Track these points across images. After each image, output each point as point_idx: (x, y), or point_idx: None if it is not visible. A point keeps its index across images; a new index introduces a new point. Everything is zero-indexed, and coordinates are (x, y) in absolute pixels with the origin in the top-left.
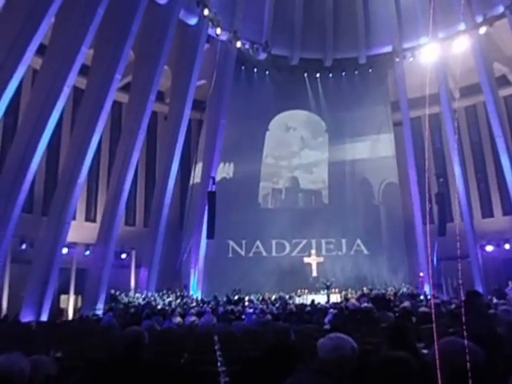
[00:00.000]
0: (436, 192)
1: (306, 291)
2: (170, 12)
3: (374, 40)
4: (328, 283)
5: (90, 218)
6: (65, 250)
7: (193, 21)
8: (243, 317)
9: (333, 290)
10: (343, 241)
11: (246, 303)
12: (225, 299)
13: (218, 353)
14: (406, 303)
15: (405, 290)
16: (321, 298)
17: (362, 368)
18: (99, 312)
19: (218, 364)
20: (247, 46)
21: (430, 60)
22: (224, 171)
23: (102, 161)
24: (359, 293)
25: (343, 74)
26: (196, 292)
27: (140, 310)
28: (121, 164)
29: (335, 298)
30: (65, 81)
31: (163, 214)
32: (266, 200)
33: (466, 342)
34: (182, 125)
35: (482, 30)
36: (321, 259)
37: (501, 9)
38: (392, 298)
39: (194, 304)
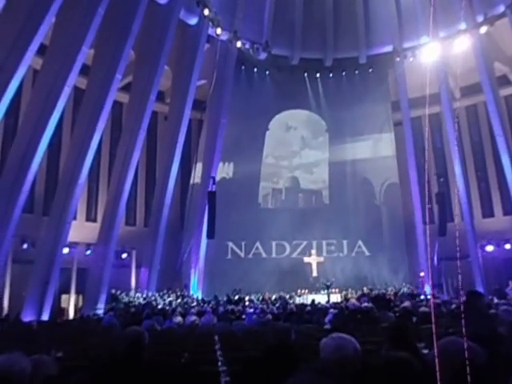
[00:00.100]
0: (436, 192)
1: (307, 291)
2: (170, 12)
3: (374, 40)
4: (328, 283)
5: (90, 217)
6: (66, 250)
7: (193, 21)
8: (243, 316)
9: (333, 290)
10: (344, 242)
11: (247, 303)
12: (225, 299)
13: (219, 352)
14: (407, 303)
15: (405, 289)
16: (321, 298)
17: (364, 368)
18: (100, 312)
19: (219, 364)
20: (247, 46)
21: (430, 60)
22: (224, 171)
23: (103, 161)
24: (359, 293)
25: (343, 73)
26: (196, 292)
27: (140, 309)
28: (121, 164)
29: (335, 297)
30: (65, 81)
31: (163, 214)
32: (266, 200)
33: (465, 341)
34: (182, 125)
35: (483, 29)
36: (321, 259)
37: (501, 8)
38: (392, 297)
39: (195, 304)
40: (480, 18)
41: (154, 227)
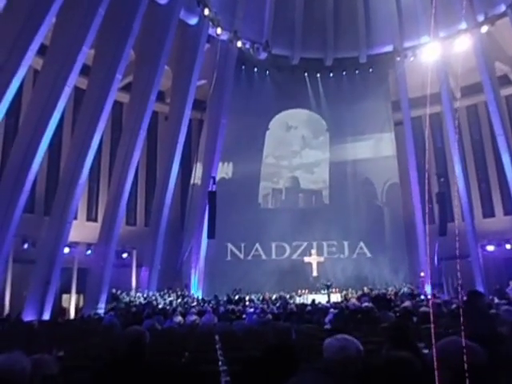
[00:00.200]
0: (437, 192)
1: (307, 291)
2: (170, 12)
3: (374, 39)
4: (328, 283)
5: (91, 217)
6: (66, 250)
7: (193, 21)
8: (244, 316)
9: (333, 290)
10: (345, 243)
11: (247, 303)
12: (225, 299)
13: (219, 352)
14: (407, 303)
15: (405, 289)
16: (321, 298)
17: (365, 368)
18: (101, 311)
19: (219, 363)
20: (248, 46)
21: (431, 59)
22: (223, 171)
23: (103, 161)
24: (360, 292)
25: (344, 73)
26: (197, 291)
27: (141, 309)
28: (122, 164)
29: (336, 297)
30: (66, 81)
31: (164, 214)
32: (266, 200)
33: (464, 341)
34: (182, 125)
35: (484, 29)
36: (321, 259)
37: (502, 8)
38: (393, 297)
39: (195, 303)
40: (481, 18)
41: (155, 227)
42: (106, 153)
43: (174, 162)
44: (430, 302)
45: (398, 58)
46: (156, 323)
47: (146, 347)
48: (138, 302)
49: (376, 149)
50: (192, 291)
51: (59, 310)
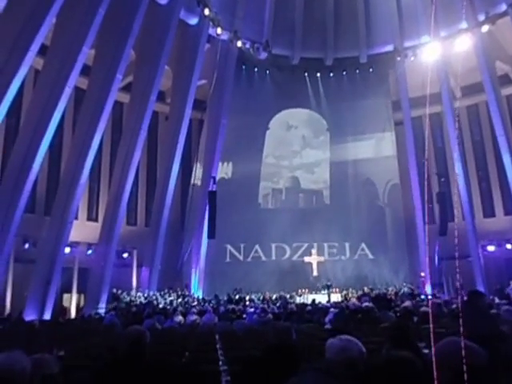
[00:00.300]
0: (437, 191)
1: (307, 291)
2: (170, 12)
3: (375, 39)
4: (329, 283)
5: (91, 217)
6: (67, 250)
7: (193, 21)
8: (244, 316)
9: (333, 290)
10: (346, 245)
11: (247, 302)
12: (226, 298)
13: (220, 352)
14: (407, 303)
15: (406, 289)
16: (321, 298)
17: (366, 368)
18: (101, 311)
19: (220, 363)
20: (248, 46)
21: (431, 59)
22: (223, 171)
23: (104, 161)
24: (360, 292)
25: (344, 73)
26: (197, 291)
27: (141, 309)
28: (122, 164)
29: (336, 297)
30: (66, 81)
31: (164, 214)
32: (266, 200)
33: (463, 342)
34: (182, 125)
35: (484, 28)
36: (321, 258)
37: (503, 7)
38: (393, 297)
39: (196, 303)
40: (481, 17)
41: (155, 227)
42: (106, 153)
43: (175, 161)
44: (430, 302)
45: (399, 58)
46: (156, 323)
47: (146, 347)
48: (138, 302)
49: (377, 149)
50: (192, 291)
51: (60, 310)
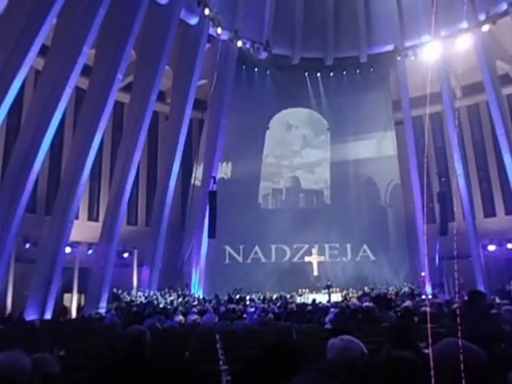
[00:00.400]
0: (438, 191)
1: (307, 290)
2: (170, 12)
3: (375, 39)
4: (329, 283)
5: (92, 217)
6: (68, 249)
7: (194, 20)
8: (245, 316)
9: (334, 290)
10: (348, 246)
11: (248, 302)
12: (226, 298)
13: (220, 351)
14: (408, 303)
15: (406, 289)
16: (322, 298)
17: (367, 368)
18: (102, 311)
19: (220, 363)
20: (248, 46)
21: (431, 58)
22: (222, 171)
23: (104, 161)
24: (360, 292)
25: (344, 73)
26: (197, 291)
27: (142, 308)
28: (122, 164)
29: (336, 297)
30: (67, 81)
31: (165, 214)
32: (266, 200)
33: (463, 343)
34: (183, 124)
35: (485, 27)
36: (322, 258)
37: (504, 6)
38: (393, 297)
39: (196, 303)
40: (482, 17)
41: (156, 226)
42: (107, 153)
43: (175, 161)
44: (429, 302)
45: (399, 58)
46: (157, 322)
47: (146, 346)
48: (139, 302)
49: (378, 148)
50: (193, 290)
51: (61, 310)
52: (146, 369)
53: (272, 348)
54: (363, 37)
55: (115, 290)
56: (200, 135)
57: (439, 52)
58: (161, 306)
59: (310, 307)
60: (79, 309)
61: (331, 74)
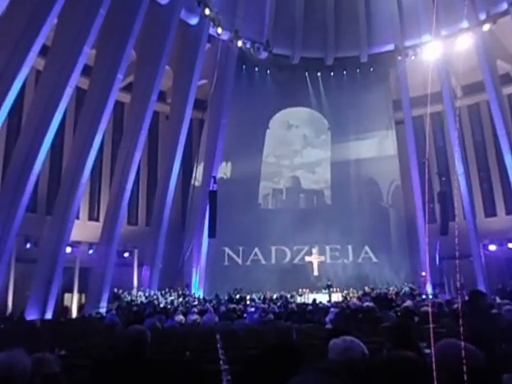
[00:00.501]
0: (438, 191)
1: (308, 290)
2: (171, 12)
3: (375, 38)
4: (329, 282)
5: (93, 217)
6: (68, 249)
7: (194, 20)
8: (245, 315)
9: (334, 290)
10: (349, 247)
11: (248, 302)
12: (226, 298)
13: (220, 351)
14: (408, 302)
15: (407, 289)
16: (322, 297)
17: (368, 368)
18: (102, 310)
19: (220, 362)
20: (248, 46)
21: (432, 58)
22: (222, 171)
23: (105, 161)
24: (361, 292)
25: (344, 72)
26: (198, 291)
27: (142, 308)
28: (123, 163)
29: (337, 297)
30: (67, 81)
31: (165, 213)
32: (266, 200)
33: (462, 343)
34: (183, 124)
35: (486, 27)
36: (322, 258)
37: (504, 6)
38: (394, 297)
39: (196, 302)
40: (482, 16)
41: (156, 226)
42: (107, 153)
43: (175, 161)
44: (430, 302)
45: (399, 57)
46: (157, 322)
47: (147, 346)
48: (139, 301)
49: (379, 148)
50: (193, 290)
51: (61, 309)
52: (147, 368)
53: (272, 348)
54: (363, 36)
55: (116, 290)
56: (200, 135)
57: (440, 51)
58: (161, 305)
59: (310, 307)
60: (80, 308)
61: (331, 73)
